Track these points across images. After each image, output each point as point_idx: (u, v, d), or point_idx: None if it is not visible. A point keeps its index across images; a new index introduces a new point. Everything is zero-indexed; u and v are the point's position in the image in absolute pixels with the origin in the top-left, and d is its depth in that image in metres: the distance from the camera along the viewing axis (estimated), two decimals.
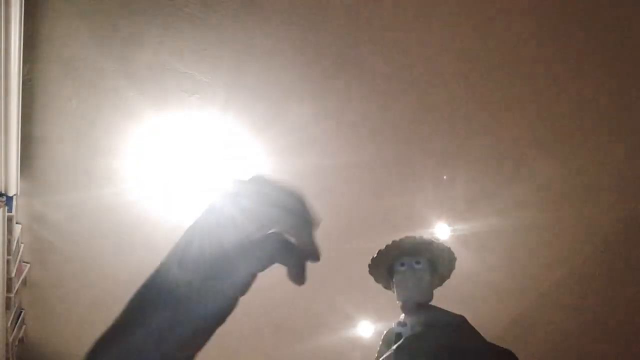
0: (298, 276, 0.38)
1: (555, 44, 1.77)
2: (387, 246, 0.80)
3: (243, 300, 0.39)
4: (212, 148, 2.14)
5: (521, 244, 2.50)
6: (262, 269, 0.38)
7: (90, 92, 1.91)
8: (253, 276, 0.38)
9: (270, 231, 0.40)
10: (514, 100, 1.95)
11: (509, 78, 1.88)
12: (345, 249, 2.34)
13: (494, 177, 2.23)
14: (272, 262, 0.39)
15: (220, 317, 0.37)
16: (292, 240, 0.39)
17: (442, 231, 2.43)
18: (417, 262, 0.78)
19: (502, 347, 0.52)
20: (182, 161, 2.18)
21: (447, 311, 0.59)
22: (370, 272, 0.80)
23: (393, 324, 0.67)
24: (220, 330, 0.38)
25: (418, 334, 0.53)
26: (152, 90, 1.92)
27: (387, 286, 0.81)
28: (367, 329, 2.81)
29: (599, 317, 2.71)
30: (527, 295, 2.77)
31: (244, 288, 0.38)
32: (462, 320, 0.55)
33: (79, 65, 1.83)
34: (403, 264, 0.77)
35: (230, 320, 0.38)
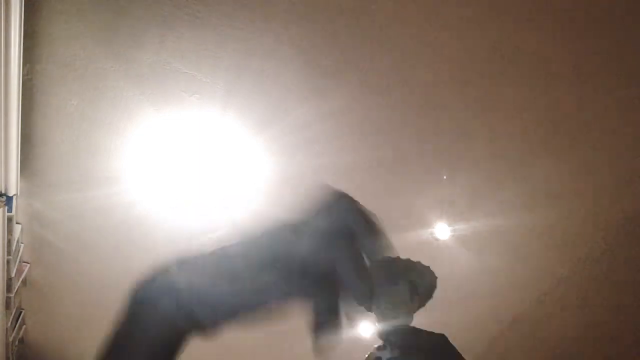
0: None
1: (556, 43, 1.77)
2: None
3: None
4: (212, 148, 2.14)
5: (521, 244, 2.50)
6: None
7: (90, 92, 1.91)
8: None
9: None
10: (514, 101, 1.95)
11: (510, 78, 1.88)
12: None
13: (494, 177, 2.23)
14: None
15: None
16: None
17: (442, 231, 2.43)
18: (396, 284, 0.76)
19: None
20: (182, 161, 2.18)
21: (427, 332, 0.58)
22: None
23: (372, 348, 0.67)
24: None
25: (396, 358, 0.52)
26: (152, 90, 1.92)
27: (369, 309, 0.79)
28: (368, 330, 2.81)
29: (599, 317, 2.71)
30: (527, 295, 2.77)
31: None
32: (442, 340, 0.55)
33: (79, 65, 1.83)
34: (381, 286, 0.75)
35: None
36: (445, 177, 2.23)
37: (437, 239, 2.45)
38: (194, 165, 2.20)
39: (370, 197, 2.55)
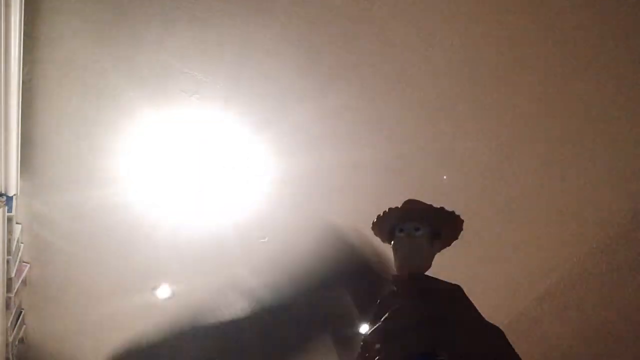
0: None
1: (555, 43, 1.77)
2: (386, 211, 0.77)
3: None
4: (212, 148, 2.14)
5: (521, 244, 2.50)
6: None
7: (90, 92, 1.91)
8: None
9: None
10: (513, 101, 1.95)
11: (509, 79, 1.88)
12: (344, 249, 2.34)
13: (494, 178, 2.23)
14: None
15: None
16: None
17: None
18: (417, 229, 0.75)
19: (490, 324, 0.51)
20: (182, 161, 2.18)
21: (442, 281, 0.57)
22: (375, 234, 0.78)
23: (387, 293, 0.66)
24: None
25: (403, 306, 0.52)
26: (152, 90, 1.92)
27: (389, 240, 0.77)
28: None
29: (599, 317, 2.71)
30: (527, 295, 2.77)
31: None
32: (456, 289, 0.54)
33: (79, 65, 1.83)
34: (402, 230, 0.74)
35: None
36: (445, 177, 2.23)
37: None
38: (193, 165, 2.20)
39: (370, 197, 2.57)
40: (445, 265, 2.52)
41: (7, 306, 2.42)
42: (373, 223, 0.78)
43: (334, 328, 2.91)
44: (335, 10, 1.70)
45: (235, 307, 2.87)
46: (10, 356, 2.68)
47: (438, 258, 2.46)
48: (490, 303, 2.78)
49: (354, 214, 2.40)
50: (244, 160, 2.18)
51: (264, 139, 2.10)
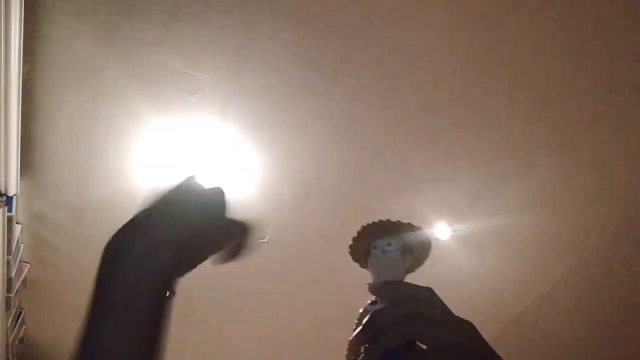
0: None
1: (556, 43, 1.77)
2: (359, 231, 0.81)
3: None
4: (212, 148, 2.14)
5: (521, 244, 2.50)
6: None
7: (90, 92, 1.91)
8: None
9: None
10: (513, 101, 1.95)
11: (509, 78, 1.88)
12: (345, 250, 2.32)
13: (494, 177, 2.23)
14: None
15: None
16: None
17: (442, 231, 2.43)
18: (389, 244, 0.79)
19: (462, 318, 0.55)
20: (182, 161, 2.18)
21: (413, 284, 0.62)
22: (353, 259, 0.82)
23: (368, 302, 0.70)
24: None
25: (381, 308, 0.56)
26: (152, 90, 1.92)
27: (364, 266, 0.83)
28: None
29: (599, 317, 2.71)
30: (527, 296, 2.77)
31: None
32: (428, 292, 0.58)
33: (79, 65, 1.83)
34: (376, 247, 0.79)
35: None
36: (444, 177, 2.23)
37: (437, 239, 2.45)
38: (194, 165, 2.20)
39: (370, 197, 2.56)
40: (446, 267, 2.53)
41: (7, 306, 2.42)
42: (350, 247, 0.82)
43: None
44: (334, 12, 1.70)
45: (235, 307, 2.87)
46: (10, 356, 2.68)
47: (440, 261, 2.46)
48: (490, 304, 2.78)
49: (354, 214, 2.40)
50: (244, 160, 2.18)
51: (264, 138, 2.10)
